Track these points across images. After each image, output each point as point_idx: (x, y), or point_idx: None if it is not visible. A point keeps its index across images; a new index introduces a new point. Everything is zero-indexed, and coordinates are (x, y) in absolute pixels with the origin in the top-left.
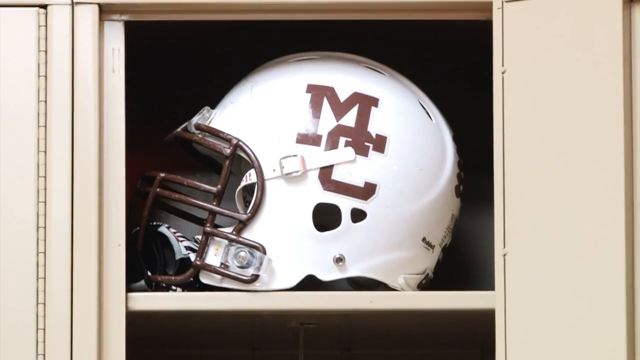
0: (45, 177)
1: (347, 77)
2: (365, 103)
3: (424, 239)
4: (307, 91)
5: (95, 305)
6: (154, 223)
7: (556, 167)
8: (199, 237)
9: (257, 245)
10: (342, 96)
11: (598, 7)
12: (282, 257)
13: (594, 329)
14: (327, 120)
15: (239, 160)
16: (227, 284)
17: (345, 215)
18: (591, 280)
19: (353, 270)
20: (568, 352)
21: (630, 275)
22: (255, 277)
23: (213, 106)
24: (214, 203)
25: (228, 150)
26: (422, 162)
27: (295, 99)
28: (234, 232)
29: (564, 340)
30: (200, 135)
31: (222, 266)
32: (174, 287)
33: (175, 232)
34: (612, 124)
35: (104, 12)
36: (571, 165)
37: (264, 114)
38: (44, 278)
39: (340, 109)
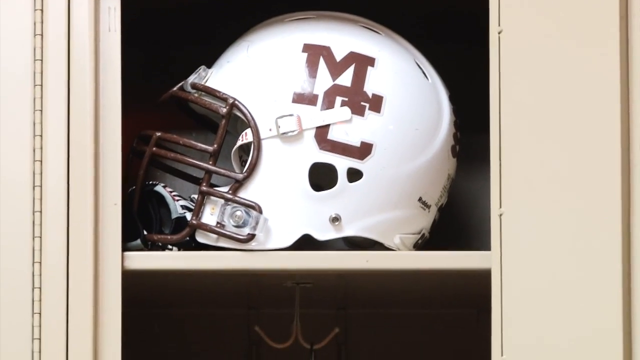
0: (41, 136)
1: (344, 37)
2: (362, 62)
3: (420, 199)
4: (303, 50)
5: (91, 265)
6: (150, 182)
7: (552, 126)
8: (195, 196)
9: (253, 204)
10: (339, 56)
11: None
12: (278, 216)
13: (590, 288)
14: (323, 80)
15: (235, 119)
16: (223, 243)
17: (342, 175)
18: (587, 239)
19: (349, 230)
20: (563, 311)
21: (627, 234)
22: (251, 237)
23: (209, 65)
24: (210, 162)
25: (224, 110)
26: (418, 122)
27: (292, 59)
28: (230, 192)
29: (560, 299)
30: (196, 95)
31: (218, 225)
32: (169, 246)
33: (171, 192)
34: (609, 83)
35: None
36: (568, 124)
37: (260, 73)
38: (40, 237)
39: (336, 69)
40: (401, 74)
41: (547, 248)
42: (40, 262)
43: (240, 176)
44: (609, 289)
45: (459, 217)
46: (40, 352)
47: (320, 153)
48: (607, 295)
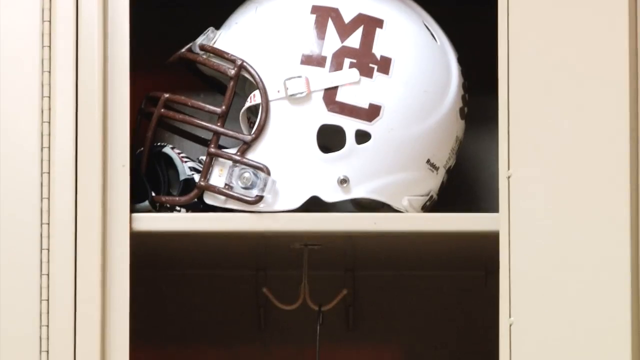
0: (49, 97)
1: None
2: (370, 24)
3: (428, 161)
4: (312, 12)
5: (99, 226)
6: (158, 144)
7: (562, 88)
8: (203, 157)
9: (261, 166)
10: (347, 17)
11: None
12: (286, 178)
13: (598, 249)
14: (332, 42)
15: (244, 81)
16: (231, 204)
17: (350, 137)
18: (595, 200)
19: (357, 192)
20: (572, 273)
21: (635, 194)
22: (259, 198)
23: (218, 27)
24: (218, 124)
25: (232, 71)
26: (426, 84)
27: (300, 20)
28: (238, 153)
29: (568, 260)
30: (204, 56)
31: (226, 187)
32: (178, 208)
33: (179, 153)
34: (619, 43)
35: None
36: (577, 85)
37: (269, 35)
38: (48, 198)
39: (344, 30)
40: (409, 35)
41: (555, 210)
42: (48, 224)
43: (248, 138)
44: (617, 249)
45: (467, 179)
46: (48, 313)
47: (329, 115)
48: (615, 255)
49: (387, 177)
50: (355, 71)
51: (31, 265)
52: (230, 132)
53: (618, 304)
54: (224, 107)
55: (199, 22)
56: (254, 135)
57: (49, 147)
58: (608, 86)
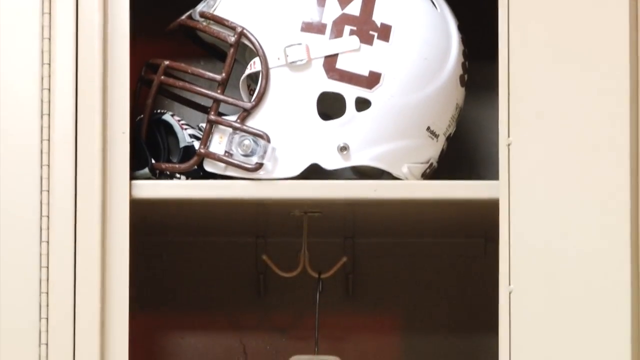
0: (49, 64)
1: None
2: None
3: (428, 128)
4: None
5: (99, 193)
6: (158, 111)
7: (562, 55)
8: (203, 125)
9: (261, 133)
10: None
11: None
12: (286, 145)
13: (599, 217)
14: (332, 9)
15: (244, 48)
16: (231, 172)
17: (350, 104)
18: (595, 168)
19: (357, 159)
20: (572, 240)
21: (635, 162)
22: (259, 166)
23: None
24: (219, 91)
25: (232, 39)
26: (426, 51)
27: None
28: (238, 121)
29: (568, 228)
30: (204, 23)
31: (226, 154)
32: (177, 175)
33: (179, 120)
34: (620, 10)
35: None
36: (578, 53)
37: (269, 2)
38: (48, 165)
39: None
40: (410, 3)
41: (554, 178)
42: (48, 191)
43: (248, 105)
44: (616, 215)
45: (467, 146)
46: (47, 280)
47: (329, 82)
48: (615, 221)
49: (387, 145)
50: (355, 38)
51: (31, 232)
52: (230, 100)
53: (618, 269)
54: (224, 75)
55: None
56: (254, 103)
57: (49, 115)
58: (610, 52)
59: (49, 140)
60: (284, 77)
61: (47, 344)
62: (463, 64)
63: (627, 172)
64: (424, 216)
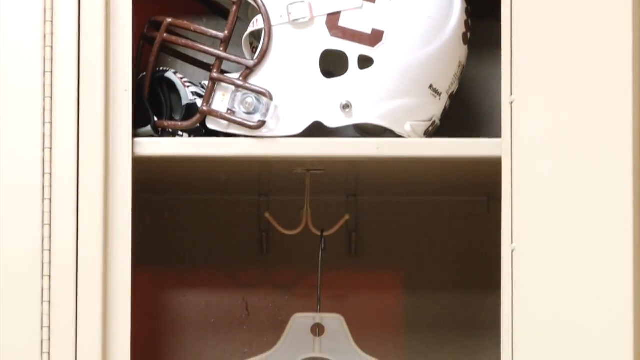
0: (52, 22)
1: None
2: None
3: (430, 86)
4: None
5: (102, 151)
6: (161, 69)
7: (566, 13)
8: (206, 82)
9: (264, 91)
10: None
11: None
12: (288, 103)
13: (601, 175)
14: None
15: (247, 5)
16: (233, 130)
17: (352, 62)
18: (598, 126)
19: (359, 117)
20: (574, 197)
21: (638, 118)
22: (261, 123)
23: None
24: (221, 49)
25: None
26: (429, 9)
27: None
28: (241, 78)
29: (571, 186)
30: None
31: (229, 112)
32: (180, 133)
33: (182, 78)
34: None
35: None
36: (581, 10)
37: None
38: (50, 123)
39: None
40: None
41: (557, 135)
42: (50, 148)
43: (251, 62)
44: (619, 173)
45: (470, 104)
46: (50, 237)
47: (331, 40)
48: (618, 180)
49: (389, 103)
50: None
51: (33, 188)
52: (233, 57)
53: (620, 226)
54: (226, 32)
55: None
56: (256, 60)
57: (51, 72)
58: (613, 9)
59: (51, 97)
60: (286, 34)
61: (49, 302)
62: (466, 22)
63: (629, 129)
64: (427, 174)
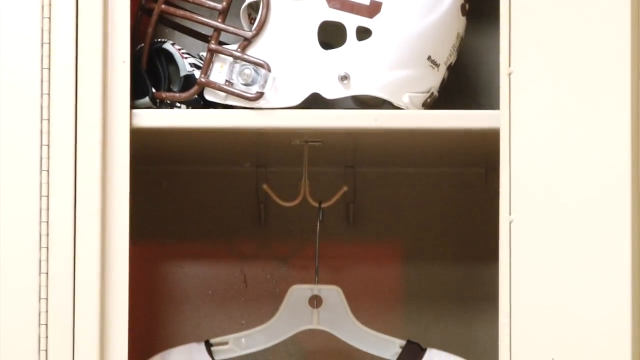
0: None
1: None
2: None
3: (429, 58)
4: None
5: (100, 122)
6: (159, 40)
7: None
8: (204, 54)
9: (262, 62)
10: None
11: None
12: (286, 74)
13: (600, 146)
14: None
15: None
16: (231, 101)
17: (351, 33)
18: (596, 97)
19: (358, 89)
20: (573, 169)
21: (636, 87)
22: (259, 95)
23: None
24: (219, 20)
25: None
26: None
27: None
28: (239, 50)
29: (569, 158)
30: None
31: (227, 83)
32: (178, 104)
33: (180, 49)
34: None
35: None
36: None
37: None
38: (48, 94)
39: None
40: None
41: (555, 107)
42: (48, 120)
43: (249, 34)
44: (617, 146)
45: (468, 76)
46: (48, 209)
47: (330, 11)
48: (616, 151)
49: (388, 74)
50: None
51: (31, 160)
52: (231, 29)
53: (618, 198)
54: (224, 4)
55: None
56: (254, 32)
57: (49, 43)
58: None
59: (49, 69)
60: (284, 6)
61: (47, 273)
62: None
63: (627, 100)
64: (425, 146)
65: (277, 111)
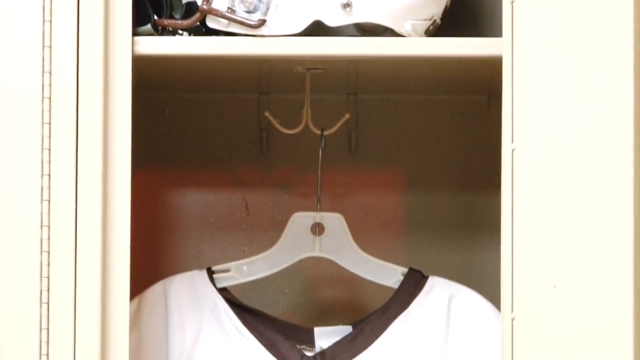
0: None
1: None
2: None
3: None
4: None
5: (101, 49)
6: None
7: None
8: None
9: None
10: None
11: None
12: (289, 2)
13: (603, 71)
14: None
15: None
16: (233, 28)
17: None
18: (600, 24)
19: (360, 16)
20: (575, 97)
21: (639, 20)
22: (261, 22)
23: None
24: None
25: None
26: None
27: None
28: None
29: (571, 85)
30: None
31: (229, 10)
32: (180, 32)
33: None
34: None
35: None
36: None
37: None
38: (50, 21)
39: None
40: None
41: (559, 34)
42: (50, 47)
43: None
44: (619, 71)
45: (471, 3)
46: (50, 137)
47: None
48: (617, 74)
49: (390, 1)
50: None
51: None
52: None
53: (621, 127)
54: None
55: None
56: None
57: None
58: None
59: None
60: None
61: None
62: None
63: (630, 26)
64: (427, 73)
65: (279, 38)
